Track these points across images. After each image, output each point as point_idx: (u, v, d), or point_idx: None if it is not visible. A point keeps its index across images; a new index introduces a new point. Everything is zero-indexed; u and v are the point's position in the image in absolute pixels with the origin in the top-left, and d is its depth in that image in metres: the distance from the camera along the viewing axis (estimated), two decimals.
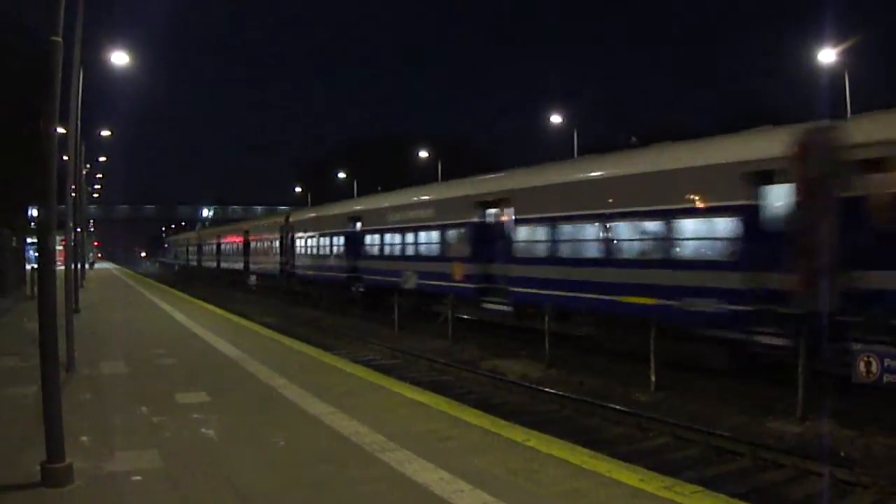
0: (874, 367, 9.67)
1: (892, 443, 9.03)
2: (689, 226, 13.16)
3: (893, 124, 10.62)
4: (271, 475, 5.86)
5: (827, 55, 26.33)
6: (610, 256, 14.70)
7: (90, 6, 11.98)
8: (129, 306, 24.54)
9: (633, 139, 22.89)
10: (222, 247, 53.58)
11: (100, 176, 64.62)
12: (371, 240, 26.21)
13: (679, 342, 12.88)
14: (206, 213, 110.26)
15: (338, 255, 29.17)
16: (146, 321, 19.10)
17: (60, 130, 7.43)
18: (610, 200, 14.71)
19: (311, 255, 32.74)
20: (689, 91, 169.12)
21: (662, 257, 13.44)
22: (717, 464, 8.81)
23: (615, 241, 14.66)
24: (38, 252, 6.20)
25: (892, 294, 9.90)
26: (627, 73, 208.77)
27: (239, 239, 47.26)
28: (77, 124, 14.05)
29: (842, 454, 8.68)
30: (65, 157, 13.28)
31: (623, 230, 14.48)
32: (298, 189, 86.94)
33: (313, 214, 34.01)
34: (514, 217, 17.93)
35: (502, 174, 20.90)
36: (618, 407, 11.25)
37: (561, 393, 12.34)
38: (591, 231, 15.32)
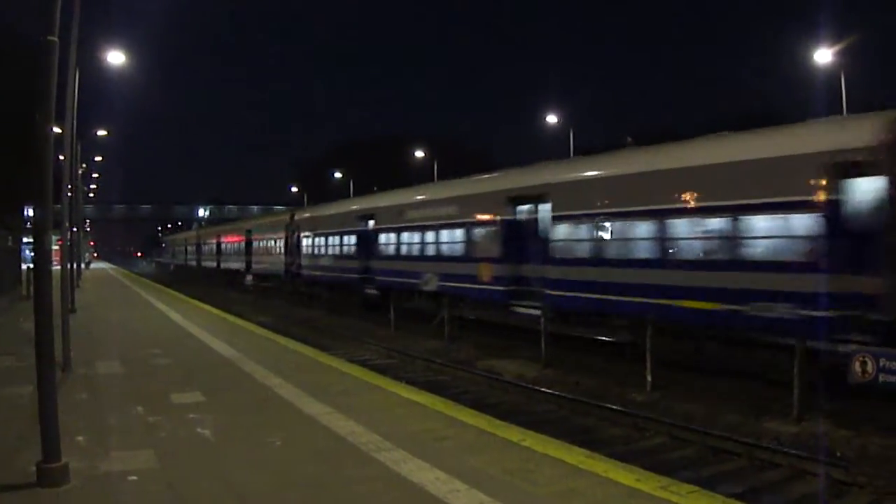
0: (870, 368, 9.67)
1: (888, 443, 9.04)
2: (760, 223, 11.95)
3: None
4: (267, 475, 5.85)
5: (823, 55, 26.40)
6: (666, 256, 13.46)
7: (86, 5, 11.95)
8: (125, 306, 24.51)
9: (629, 139, 22.89)
10: (223, 246, 52.69)
11: (96, 175, 64.72)
12: (386, 238, 24.82)
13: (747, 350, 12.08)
14: (202, 212, 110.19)
15: (348, 255, 27.98)
16: (142, 321, 19.07)
17: (56, 130, 7.42)
18: (667, 196, 13.42)
19: (319, 255, 31.45)
20: (688, 91, 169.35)
21: (728, 258, 12.25)
22: (713, 464, 8.84)
23: (672, 240, 13.42)
24: (34, 252, 6.20)
25: None
26: (627, 73, 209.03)
27: (240, 238, 46.35)
28: (73, 124, 14.04)
29: (838, 454, 8.70)
30: (61, 157, 13.27)
31: (682, 228, 13.22)
32: (294, 189, 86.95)
33: (321, 212, 32.71)
34: (551, 213, 16.52)
35: (537, 167, 19.40)
36: (614, 407, 11.26)
37: (557, 393, 12.35)
38: (645, 229, 13.99)
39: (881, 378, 9.54)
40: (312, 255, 32.30)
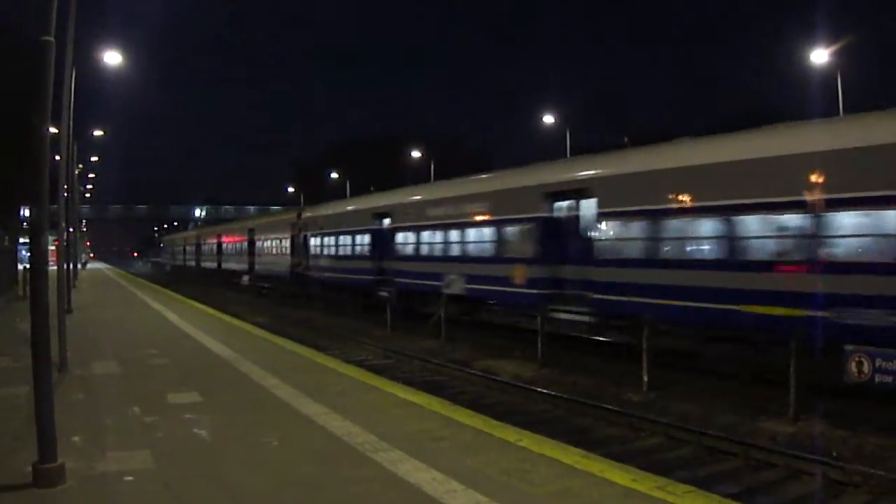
0: (866, 368, 9.70)
1: (884, 443, 9.06)
2: (846, 220, 10.76)
3: None
4: (264, 475, 5.85)
5: (819, 55, 26.48)
6: (734, 258, 12.17)
7: (84, 5, 11.94)
8: (122, 306, 24.46)
9: (626, 139, 22.88)
10: (223, 246, 51.17)
11: (92, 175, 64.50)
12: (404, 238, 23.25)
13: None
14: (198, 213, 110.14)
15: (362, 256, 26.51)
16: (138, 321, 19.04)
17: (53, 130, 7.41)
18: (735, 190, 12.15)
19: (329, 255, 29.90)
20: (689, 91, 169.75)
21: (807, 258, 11.07)
22: (709, 464, 8.85)
23: (742, 239, 12.16)
24: (30, 252, 6.19)
25: None
26: (627, 73, 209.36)
27: (242, 238, 44.74)
28: (69, 124, 14.01)
29: (834, 454, 8.71)
30: (57, 157, 13.23)
31: (753, 225, 12.03)
32: (291, 189, 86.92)
33: (331, 210, 31.26)
34: (597, 210, 15.15)
35: (578, 160, 18.12)
36: (610, 407, 11.27)
37: (553, 393, 12.36)
38: (711, 227, 12.71)
39: (877, 378, 9.58)
40: (322, 256, 30.73)
